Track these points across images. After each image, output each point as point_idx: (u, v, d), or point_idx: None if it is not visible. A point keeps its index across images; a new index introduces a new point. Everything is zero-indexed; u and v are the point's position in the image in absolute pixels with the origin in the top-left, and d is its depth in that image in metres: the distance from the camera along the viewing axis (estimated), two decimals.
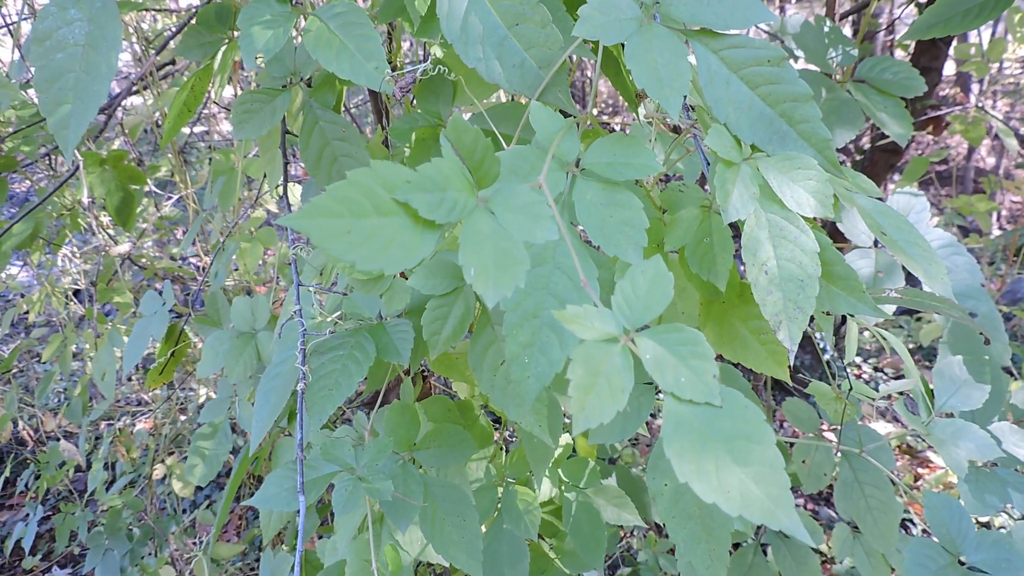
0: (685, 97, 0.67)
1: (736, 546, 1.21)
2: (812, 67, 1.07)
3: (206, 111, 2.47)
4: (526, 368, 0.59)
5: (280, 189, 1.04)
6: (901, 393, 1.00)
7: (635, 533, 2.43)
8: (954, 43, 2.32)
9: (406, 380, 1.03)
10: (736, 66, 0.60)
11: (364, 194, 0.44)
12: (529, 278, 0.59)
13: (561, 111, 0.68)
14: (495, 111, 0.82)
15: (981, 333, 0.83)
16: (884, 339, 0.86)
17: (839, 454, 1.01)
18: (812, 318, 0.69)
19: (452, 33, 0.64)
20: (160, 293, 1.29)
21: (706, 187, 0.73)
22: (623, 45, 0.59)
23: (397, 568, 0.78)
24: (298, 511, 0.74)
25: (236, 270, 2.37)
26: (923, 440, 0.91)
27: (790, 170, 0.60)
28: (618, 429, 0.73)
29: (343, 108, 1.10)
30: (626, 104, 0.95)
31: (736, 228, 0.64)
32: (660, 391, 0.75)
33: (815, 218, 0.63)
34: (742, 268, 0.63)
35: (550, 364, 0.59)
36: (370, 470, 0.76)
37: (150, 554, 2.20)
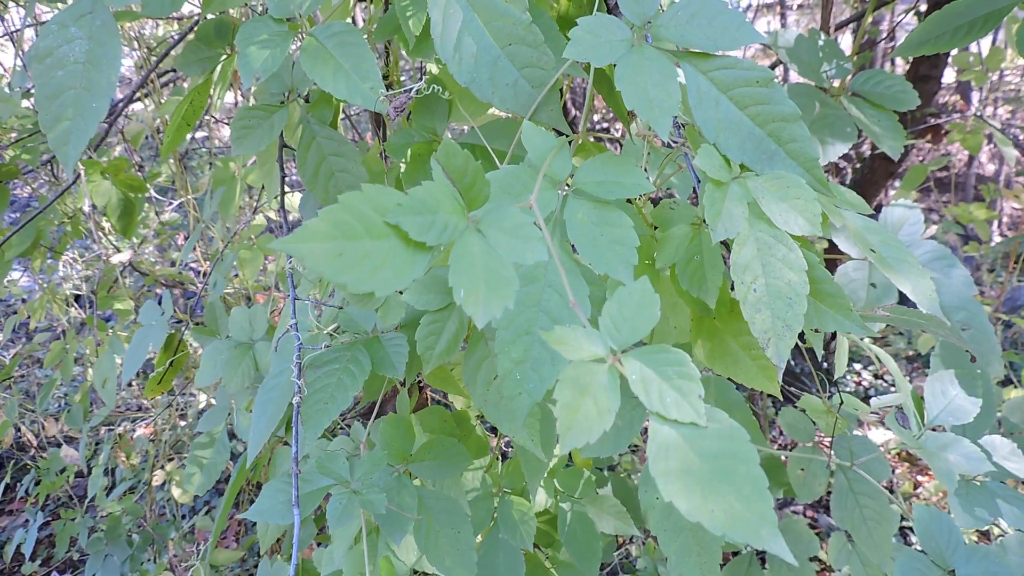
0: (676, 116, 0.68)
1: (735, 553, 1.22)
2: (806, 80, 1.08)
3: (207, 117, 2.48)
4: (518, 384, 0.60)
5: (278, 200, 1.05)
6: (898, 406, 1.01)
7: (634, 540, 2.44)
8: (954, 51, 2.33)
9: (402, 392, 1.04)
10: (725, 87, 0.61)
11: (356, 217, 0.44)
12: (521, 296, 0.60)
13: (554, 129, 0.69)
14: (489, 127, 0.83)
15: (967, 351, 0.84)
16: (875, 354, 0.86)
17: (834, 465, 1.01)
18: (802, 333, 0.70)
19: (446, 53, 0.65)
20: (160, 302, 1.30)
21: (697, 203, 0.73)
22: (615, 64, 0.60)
23: None
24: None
25: (236, 276, 2.38)
26: None
27: (779, 189, 0.60)
28: (611, 443, 0.73)
29: (342, 114, 1.11)
30: None
31: (727, 245, 0.64)
32: None
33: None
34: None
35: (542, 380, 0.60)
36: (365, 483, 0.77)
37: (149, 560, 2.20)
